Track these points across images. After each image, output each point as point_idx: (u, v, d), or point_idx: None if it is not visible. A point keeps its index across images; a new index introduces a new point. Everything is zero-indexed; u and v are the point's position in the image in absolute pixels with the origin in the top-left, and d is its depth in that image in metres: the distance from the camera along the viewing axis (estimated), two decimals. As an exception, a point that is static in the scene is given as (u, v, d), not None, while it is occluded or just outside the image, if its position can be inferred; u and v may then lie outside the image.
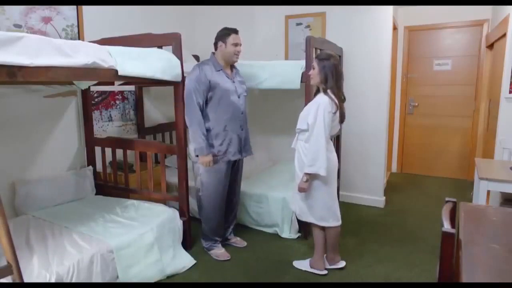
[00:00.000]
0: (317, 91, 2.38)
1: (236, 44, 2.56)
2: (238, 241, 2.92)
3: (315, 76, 2.30)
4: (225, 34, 2.56)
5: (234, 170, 2.77)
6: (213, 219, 2.69)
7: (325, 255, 2.54)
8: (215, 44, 2.60)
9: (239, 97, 2.62)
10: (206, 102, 2.53)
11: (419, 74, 4.90)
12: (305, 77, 2.83)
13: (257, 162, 4.00)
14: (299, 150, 2.37)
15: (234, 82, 2.62)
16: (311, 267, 2.50)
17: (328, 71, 2.24)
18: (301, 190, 2.33)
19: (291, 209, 2.81)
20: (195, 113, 2.47)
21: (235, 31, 2.57)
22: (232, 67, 2.69)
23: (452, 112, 4.80)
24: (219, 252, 2.72)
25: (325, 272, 2.47)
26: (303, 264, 2.55)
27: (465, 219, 1.53)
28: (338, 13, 3.70)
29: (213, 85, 2.50)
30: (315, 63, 2.31)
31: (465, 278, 1.08)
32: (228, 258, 2.68)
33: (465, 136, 4.76)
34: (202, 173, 2.61)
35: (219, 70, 2.55)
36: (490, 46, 4.22)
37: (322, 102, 2.21)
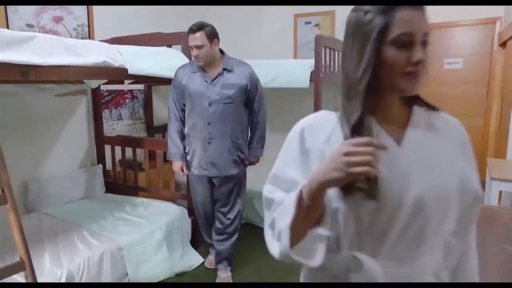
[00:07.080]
0: None
1: (191, 48, 2.11)
2: (220, 274, 2.41)
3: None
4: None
5: (218, 190, 2.34)
6: (199, 221, 2.56)
7: None
8: None
9: (210, 104, 2.15)
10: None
11: (429, 73, 4.82)
12: (314, 76, 2.81)
13: (267, 161, 3.98)
14: None
15: (213, 86, 2.15)
16: None
17: None
18: None
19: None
20: (170, 117, 2.33)
21: (189, 31, 2.10)
22: (223, 67, 2.18)
23: (463, 111, 4.73)
24: (209, 258, 2.60)
25: None
26: None
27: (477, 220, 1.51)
28: (347, 12, 3.65)
29: (184, 88, 2.23)
30: None
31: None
32: (211, 267, 2.51)
33: (477, 135, 4.70)
34: None
35: (194, 72, 2.21)
36: (503, 45, 4.15)
37: None
